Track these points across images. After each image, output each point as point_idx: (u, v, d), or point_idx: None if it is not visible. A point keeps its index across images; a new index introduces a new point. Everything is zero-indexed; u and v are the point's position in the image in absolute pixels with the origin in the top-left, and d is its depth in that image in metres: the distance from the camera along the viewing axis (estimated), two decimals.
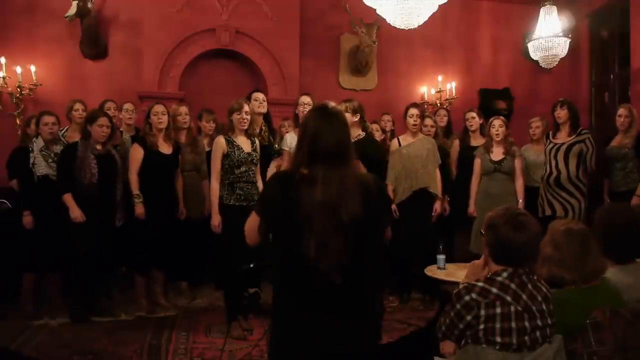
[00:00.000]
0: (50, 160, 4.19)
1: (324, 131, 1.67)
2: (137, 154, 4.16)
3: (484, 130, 4.90)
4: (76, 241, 3.98)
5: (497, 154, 4.60)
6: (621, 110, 4.61)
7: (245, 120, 3.82)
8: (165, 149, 4.24)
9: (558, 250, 2.06)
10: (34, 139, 4.29)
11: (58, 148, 4.25)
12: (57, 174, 4.10)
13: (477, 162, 4.68)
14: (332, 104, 1.80)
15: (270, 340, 1.79)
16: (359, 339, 1.67)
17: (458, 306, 1.84)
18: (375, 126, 4.99)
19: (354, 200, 1.59)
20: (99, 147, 4.06)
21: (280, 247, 1.68)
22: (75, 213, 3.95)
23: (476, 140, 4.91)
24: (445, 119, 5.35)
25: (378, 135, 4.86)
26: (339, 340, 1.63)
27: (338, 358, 1.65)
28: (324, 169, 1.61)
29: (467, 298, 1.83)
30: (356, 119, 4.01)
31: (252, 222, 1.77)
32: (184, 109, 4.64)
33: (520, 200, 4.52)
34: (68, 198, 3.97)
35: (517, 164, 4.59)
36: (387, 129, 5.21)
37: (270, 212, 1.70)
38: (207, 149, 4.68)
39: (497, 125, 4.60)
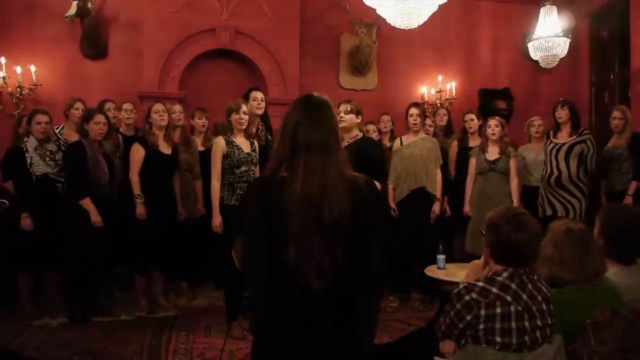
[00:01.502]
0: (47, 158, 4.17)
1: (306, 121, 1.50)
2: (138, 154, 4.15)
3: (482, 131, 4.91)
4: (82, 243, 3.95)
5: (493, 153, 4.60)
6: (615, 113, 4.67)
7: (243, 121, 3.82)
8: (166, 149, 4.24)
9: (558, 250, 2.06)
10: (25, 138, 4.24)
11: (51, 146, 4.23)
12: (69, 176, 4.05)
13: (472, 162, 4.68)
14: (316, 93, 1.61)
15: None
16: (347, 356, 1.48)
17: (458, 306, 1.84)
18: (372, 127, 4.99)
19: (338, 197, 1.42)
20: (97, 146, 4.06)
21: (260, 255, 1.49)
22: (97, 218, 3.93)
23: (474, 142, 4.90)
24: (445, 118, 5.36)
25: (375, 137, 4.85)
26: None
27: None
28: (305, 159, 1.45)
29: (467, 298, 1.83)
30: (359, 120, 4.02)
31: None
32: (177, 107, 4.67)
33: (515, 201, 4.52)
34: (88, 203, 3.94)
35: (512, 164, 4.59)
36: (387, 129, 5.20)
37: (249, 218, 1.51)
38: (201, 148, 4.68)
39: (493, 125, 4.61)
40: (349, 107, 3.91)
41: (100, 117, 4.06)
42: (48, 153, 4.18)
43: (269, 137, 4.39)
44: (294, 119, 1.52)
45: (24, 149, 4.18)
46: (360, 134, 4.06)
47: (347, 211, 1.42)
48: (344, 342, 1.48)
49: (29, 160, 4.15)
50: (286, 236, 1.40)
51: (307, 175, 1.43)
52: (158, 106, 4.26)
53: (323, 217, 1.40)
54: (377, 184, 3.51)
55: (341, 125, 3.65)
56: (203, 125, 4.82)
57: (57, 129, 4.58)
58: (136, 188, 4.11)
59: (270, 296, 1.49)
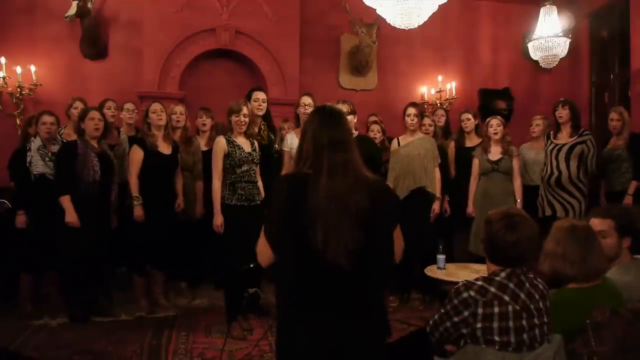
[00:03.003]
0: (47, 159, 4.17)
1: (326, 126, 1.71)
2: (137, 155, 4.14)
3: (479, 131, 4.91)
4: (70, 243, 3.93)
5: (495, 153, 4.60)
6: (612, 115, 4.70)
7: (243, 123, 3.81)
8: (165, 149, 4.24)
9: (561, 246, 2.06)
10: (32, 138, 4.27)
11: (56, 148, 4.24)
12: (55, 173, 4.06)
13: (475, 163, 4.68)
14: (329, 104, 1.86)
15: (276, 343, 1.76)
16: (366, 336, 1.65)
17: (455, 301, 1.85)
18: (376, 127, 4.99)
19: (359, 188, 1.61)
20: (94, 144, 4.04)
21: (288, 242, 1.64)
22: (72, 218, 3.90)
23: (471, 141, 4.91)
24: (443, 118, 5.35)
25: (379, 137, 4.85)
26: (345, 338, 1.61)
27: (344, 356, 1.63)
28: (328, 157, 1.64)
29: (465, 295, 1.83)
30: (355, 120, 4.04)
31: (263, 242, 1.71)
32: (179, 109, 4.64)
33: (519, 200, 4.52)
34: (66, 201, 3.91)
35: (515, 163, 4.59)
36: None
37: (280, 209, 1.65)
38: (204, 148, 4.67)
39: (495, 124, 4.60)
40: (349, 107, 3.91)
41: (94, 113, 4.05)
42: (49, 154, 4.19)
43: (272, 136, 4.39)
44: (314, 124, 1.74)
45: (28, 148, 4.21)
46: (356, 133, 4.08)
47: (366, 199, 1.60)
48: (365, 321, 1.64)
49: (28, 159, 4.17)
50: (312, 220, 1.56)
51: (331, 171, 1.62)
52: (155, 106, 4.25)
53: (349, 204, 1.58)
54: None
55: None
56: (204, 124, 4.81)
57: (59, 129, 4.59)
58: (134, 190, 4.11)
59: (297, 278, 1.64)
